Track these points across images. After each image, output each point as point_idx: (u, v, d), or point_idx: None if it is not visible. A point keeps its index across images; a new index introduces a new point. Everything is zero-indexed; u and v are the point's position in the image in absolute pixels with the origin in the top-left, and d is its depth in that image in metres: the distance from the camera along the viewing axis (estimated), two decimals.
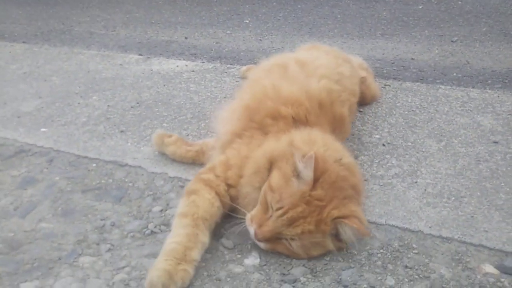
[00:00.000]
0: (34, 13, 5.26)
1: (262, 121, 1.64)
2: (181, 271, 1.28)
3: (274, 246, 1.38)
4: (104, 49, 3.77)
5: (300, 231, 1.31)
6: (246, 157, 1.54)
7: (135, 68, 3.18)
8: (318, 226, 1.31)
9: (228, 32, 4.28)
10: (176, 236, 1.37)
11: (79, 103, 2.59)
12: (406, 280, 1.30)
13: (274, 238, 1.36)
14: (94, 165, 1.95)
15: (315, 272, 1.35)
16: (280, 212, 1.31)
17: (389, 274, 1.33)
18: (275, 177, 1.39)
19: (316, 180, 1.32)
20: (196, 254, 1.35)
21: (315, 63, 1.95)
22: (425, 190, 1.69)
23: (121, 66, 3.23)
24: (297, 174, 1.35)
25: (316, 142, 1.47)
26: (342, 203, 1.34)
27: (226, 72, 3.03)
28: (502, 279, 1.29)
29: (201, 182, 1.53)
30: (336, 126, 1.75)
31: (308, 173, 1.32)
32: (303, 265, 1.38)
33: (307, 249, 1.36)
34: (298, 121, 1.61)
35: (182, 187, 1.76)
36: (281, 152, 1.45)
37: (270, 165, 1.45)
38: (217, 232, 1.52)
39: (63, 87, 2.86)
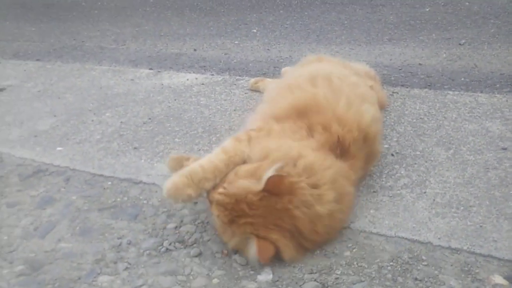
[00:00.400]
0: (46, 30, 5.37)
1: (312, 125, 1.67)
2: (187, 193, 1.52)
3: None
4: (115, 64, 3.85)
5: (216, 214, 1.46)
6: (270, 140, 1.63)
7: (146, 83, 3.24)
8: (231, 224, 1.42)
9: (236, 42, 4.33)
10: (207, 162, 1.55)
11: (92, 120, 2.66)
12: None
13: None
14: (109, 183, 2.01)
15: (327, 287, 1.38)
16: (221, 190, 1.46)
17: (399, 287, 1.35)
18: (249, 167, 1.51)
19: (265, 190, 1.38)
20: (209, 187, 1.53)
21: (347, 81, 1.99)
22: (434, 200, 1.71)
23: (132, 81, 3.30)
24: (260, 176, 1.42)
25: (316, 174, 1.47)
26: (266, 226, 1.39)
27: (235, 84, 3.08)
28: None
29: (246, 136, 1.67)
30: (369, 161, 1.77)
31: (262, 179, 1.38)
32: (315, 280, 1.41)
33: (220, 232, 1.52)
34: (341, 145, 1.62)
35: (195, 203, 1.81)
36: (282, 155, 1.50)
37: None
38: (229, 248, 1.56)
39: (77, 104, 2.93)
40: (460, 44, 3.70)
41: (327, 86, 1.87)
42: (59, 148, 2.35)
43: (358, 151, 1.67)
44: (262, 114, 1.93)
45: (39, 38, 5.02)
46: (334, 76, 1.96)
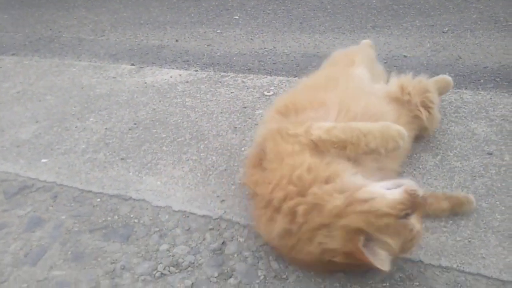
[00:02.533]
0: (20, 18, 5.18)
1: None
2: None
3: None
4: (95, 59, 3.74)
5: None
6: None
7: (129, 81, 3.17)
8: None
9: (218, 31, 4.24)
10: None
11: (76, 127, 2.60)
12: None
13: None
14: (99, 200, 1.98)
15: None
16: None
17: None
18: None
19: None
20: None
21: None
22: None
23: (115, 79, 3.23)
24: None
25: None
26: None
27: (220, 82, 3.04)
28: None
29: None
30: None
31: None
32: None
33: None
34: None
35: (186, 220, 1.80)
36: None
37: None
38: (224, 271, 1.57)
39: (59, 108, 2.86)
40: (443, 32, 3.69)
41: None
42: (44, 160, 2.30)
43: None
44: None
45: (12, 28, 4.84)
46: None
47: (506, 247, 1.56)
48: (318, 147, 1.52)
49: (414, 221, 1.33)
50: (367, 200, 1.32)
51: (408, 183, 1.37)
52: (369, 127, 1.56)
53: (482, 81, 2.78)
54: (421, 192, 1.36)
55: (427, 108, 2.05)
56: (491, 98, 2.51)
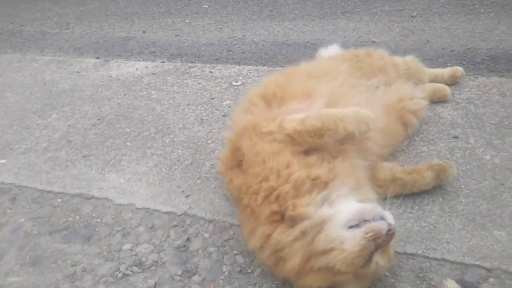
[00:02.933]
0: None
1: None
2: None
3: None
4: (59, 54, 3.63)
5: None
6: None
7: (93, 75, 3.08)
8: None
9: (187, 21, 4.16)
10: None
11: (37, 125, 2.51)
12: None
13: None
14: (60, 200, 1.92)
15: None
16: None
17: None
18: None
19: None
20: None
21: None
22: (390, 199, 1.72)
23: (79, 73, 3.13)
24: None
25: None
26: None
27: (187, 73, 2.97)
28: None
29: None
30: None
31: None
32: None
33: None
34: None
35: (150, 217, 1.75)
36: None
37: None
38: (188, 268, 1.54)
39: (19, 105, 2.76)
40: (412, 16, 3.69)
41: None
42: (2, 161, 2.21)
43: None
44: None
45: None
46: None
47: (470, 231, 1.56)
48: (294, 140, 1.48)
49: (378, 258, 1.28)
50: (325, 252, 1.27)
51: (372, 223, 1.30)
52: (343, 112, 1.54)
53: (449, 64, 2.78)
54: (385, 227, 1.28)
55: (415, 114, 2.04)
56: (457, 82, 2.51)
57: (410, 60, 2.31)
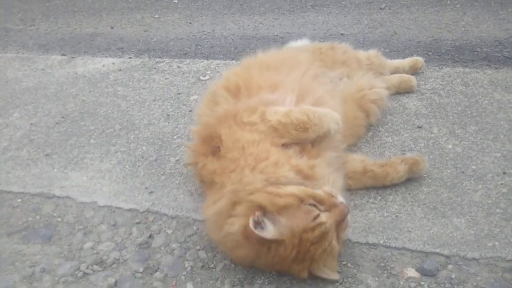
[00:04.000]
0: None
1: None
2: None
3: None
4: (23, 51, 3.53)
5: None
6: None
7: (58, 72, 3.01)
8: None
9: (156, 16, 4.10)
10: None
11: None
12: None
13: None
14: (19, 200, 1.87)
15: None
16: None
17: None
18: None
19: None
20: None
21: None
22: (349, 190, 1.72)
23: (43, 71, 3.05)
24: None
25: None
26: None
27: (155, 68, 2.93)
28: (422, 282, 1.37)
29: None
30: None
31: None
32: None
33: None
34: None
35: (112, 215, 1.72)
36: None
37: None
38: (150, 265, 1.52)
39: None
40: (381, 8, 3.72)
41: None
42: None
43: None
44: None
45: None
46: None
47: (431, 219, 1.58)
48: (277, 131, 1.51)
49: (326, 219, 1.30)
50: (284, 185, 1.32)
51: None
52: (323, 110, 1.59)
53: (414, 55, 2.79)
54: (340, 199, 1.37)
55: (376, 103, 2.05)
56: (422, 72, 2.54)
57: (373, 55, 2.32)
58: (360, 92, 1.99)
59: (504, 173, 1.76)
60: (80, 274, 1.51)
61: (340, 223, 1.34)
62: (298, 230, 1.26)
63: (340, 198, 1.37)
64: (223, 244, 1.41)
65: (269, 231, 1.27)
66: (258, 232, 1.24)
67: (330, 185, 1.42)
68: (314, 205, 1.31)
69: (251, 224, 1.24)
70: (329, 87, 1.88)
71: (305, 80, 1.84)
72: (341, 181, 1.54)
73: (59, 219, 1.75)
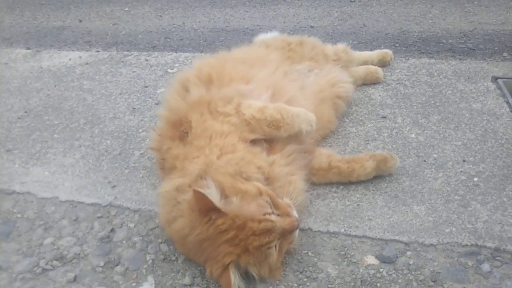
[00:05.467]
0: None
1: None
2: None
3: None
4: None
5: None
6: None
7: (22, 66, 2.93)
8: None
9: (126, 9, 4.04)
10: None
11: None
12: (296, 285, 1.36)
13: None
14: None
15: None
16: None
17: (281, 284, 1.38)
18: None
19: None
20: None
21: None
22: (314, 185, 1.73)
23: (7, 65, 2.98)
24: None
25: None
26: None
27: (122, 62, 2.89)
28: (381, 269, 1.38)
29: None
30: None
31: None
32: (197, 285, 1.39)
33: None
34: None
35: (74, 209, 1.69)
36: None
37: None
38: (111, 259, 1.50)
39: None
40: (351, 1, 3.74)
41: None
42: None
43: None
44: None
45: None
46: None
47: (392, 207, 1.60)
48: (250, 125, 1.51)
49: (275, 219, 1.29)
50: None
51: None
52: (296, 110, 1.60)
53: (382, 47, 2.83)
54: (295, 213, 1.37)
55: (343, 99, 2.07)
56: (389, 64, 2.56)
57: (341, 49, 2.31)
58: (331, 89, 2.00)
59: (464, 161, 1.79)
60: (39, 270, 1.48)
61: (287, 235, 1.33)
62: (246, 214, 1.25)
63: (295, 213, 1.37)
64: (166, 215, 1.39)
65: (212, 194, 1.26)
66: (203, 191, 1.23)
67: (291, 190, 1.43)
68: (270, 206, 1.31)
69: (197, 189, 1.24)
70: (299, 83, 1.89)
71: (277, 77, 1.85)
72: (301, 183, 1.54)
73: (18, 215, 1.71)
